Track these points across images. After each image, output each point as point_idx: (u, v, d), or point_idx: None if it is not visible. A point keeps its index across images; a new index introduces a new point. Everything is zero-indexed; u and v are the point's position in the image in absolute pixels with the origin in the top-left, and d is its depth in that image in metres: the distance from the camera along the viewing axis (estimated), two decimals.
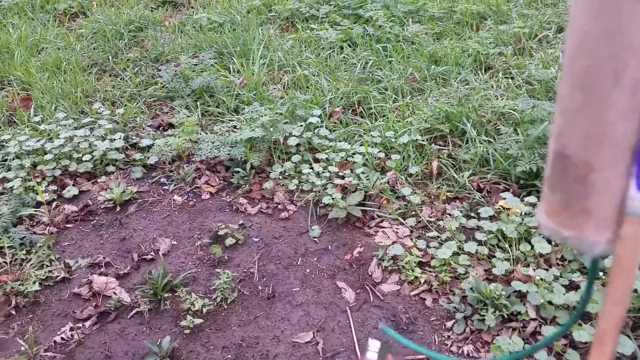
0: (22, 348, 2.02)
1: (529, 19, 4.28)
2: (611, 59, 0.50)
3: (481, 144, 2.89)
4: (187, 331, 2.05)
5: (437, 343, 2.02)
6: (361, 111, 3.33)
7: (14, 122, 3.40)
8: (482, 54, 3.78)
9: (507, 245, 2.32)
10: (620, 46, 0.47)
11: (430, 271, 2.29)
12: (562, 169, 0.59)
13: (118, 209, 2.70)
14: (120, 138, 3.05)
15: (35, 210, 2.65)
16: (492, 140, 2.93)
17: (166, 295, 2.19)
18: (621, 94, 0.50)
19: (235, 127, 3.18)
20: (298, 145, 2.99)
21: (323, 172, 2.79)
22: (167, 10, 5.09)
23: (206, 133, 3.11)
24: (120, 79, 3.88)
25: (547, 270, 2.17)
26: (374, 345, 0.47)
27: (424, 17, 4.42)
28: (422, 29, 4.18)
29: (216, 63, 3.88)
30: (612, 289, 0.63)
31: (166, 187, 2.84)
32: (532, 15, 4.35)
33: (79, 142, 2.98)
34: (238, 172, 2.85)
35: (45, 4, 5.26)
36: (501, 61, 3.77)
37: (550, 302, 2.03)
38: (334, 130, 3.11)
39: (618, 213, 0.55)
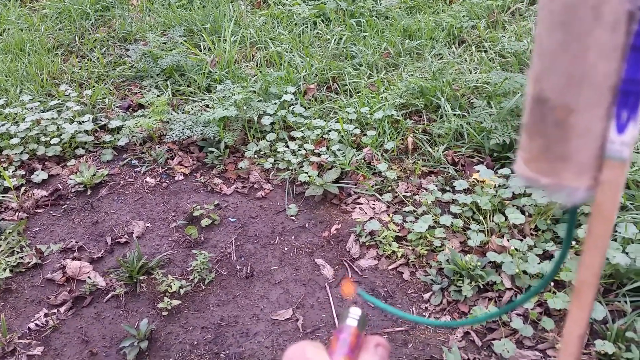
0: None
1: None
2: (589, 2, 0.47)
3: (455, 118, 2.89)
4: (164, 313, 2.03)
5: (415, 315, 2.04)
6: (336, 88, 3.30)
7: None
8: (455, 28, 3.77)
9: (481, 217, 2.34)
10: None
11: (407, 245, 2.30)
12: (541, 113, 0.55)
13: (89, 192, 2.64)
14: (89, 120, 2.98)
15: (2, 196, 2.58)
16: (466, 114, 2.93)
17: (142, 278, 2.16)
18: (602, 31, 0.48)
19: (207, 106, 3.12)
20: (272, 123, 2.95)
21: (299, 150, 2.76)
22: None
23: (177, 113, 3.05)
24: (88, 60, 3.77)
25: (521, 240, 2.20)
26: (354, 312, 0.46)
27: None
28: (395, 2, 4.15)
29: (186, 41, 3.80)
30: (591, 236, 0.62)
31: (138, 169, 2.79)
32: None
33: (47, 125, 2.90)
34: (212, 152, 2.81)
35: None
36: (474, 35, 3.76)
37: (524, 272, 2.06)
38: (308, 108, 3.08)
39: (598, 157, 0.53)
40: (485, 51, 3.56)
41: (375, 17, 3.99)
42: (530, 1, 4.14)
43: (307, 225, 2.45)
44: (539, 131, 0.56)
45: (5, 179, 2.61)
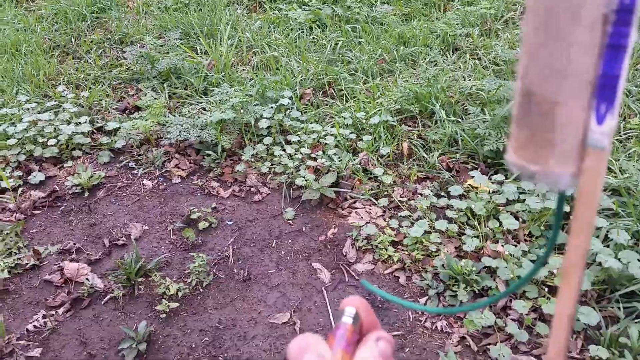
0: None
1: (495, 0, 4.33)
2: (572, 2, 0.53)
3: (450, 124, 2.93)
4: (163, 315, 2.05)
5: (411, 320, 2.07)
6: (332, 92, 3.33)
7: None
8: (449, 35, 3.81)
9: (476, 223, 2.38)
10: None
11: (403, 250, 2.33)
12: (528, 105, 0.62)
13: (86, 194, 2.65)
14: (85, 122, 2.98)
15: (0, 197, 2.58)
16: (460, 120, 2.97)
17: (140, 280, 2.17)
18: (581, 31, 0.54)
19: (204, 109, 3.14)
20: (269, 127, 2.98)
21: (295, 154, 2.79)
22: None
23: (174, 116, 3.06)
24: (84, 62, 3.77)
25: (515, 246, 2.24)
26: (349, 311, 0.48)
27: None
28: (390, 9, 4.19)
29: (182, 44, 3.81)
30: (576, 220, 0.68)
31: (135, 172, 2.80)
32: None
33: (44, 127, 2.90)
34: (209, 155, 2.83)
35: None
36: (468, 42, 3.81)
37: (519, 277, 2.10)
38: (305, 112, 3.11)
39: (580, 146, 0.59)
40: (479, 59, 3.61)
41: (371, 23, 4.03)
42: (523, 10, 4.20)
43: (304, 229, 2.48)
44: (527, 122, 0.62)
45: (3, 180, 2.62)
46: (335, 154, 2.80)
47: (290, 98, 3.15)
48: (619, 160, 2.61)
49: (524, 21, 0.58)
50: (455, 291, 2.10)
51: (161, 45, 3.78)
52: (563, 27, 0.53)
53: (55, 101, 3.18)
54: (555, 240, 0.68)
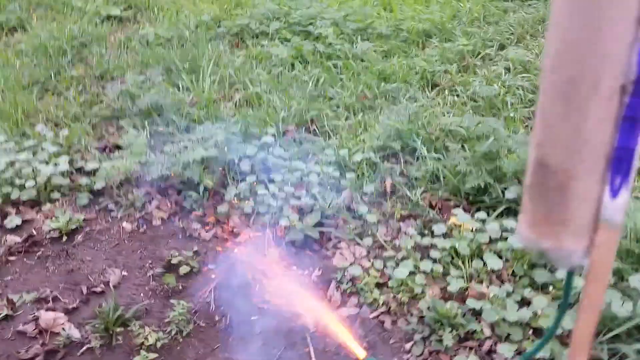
0: None
1: (472, 36, 4.41)
2: (591, 69, 0.51)
3: (432, 160, 2.94)
4: None
5: None
6: (314, 129, 3.33)
7: None
8: (428, 72, 3.86)
9: (460, 263, 2.37)
10: (601, 56, 0.50)
11: (388, 292, 2.30)
12: (543, 177, 0.60)
13: (64, 238, 2.59)
14: (64, 162, 2.93)
15: None
16: (441, 157, 2.99)
17: (118, 329, 2.11)
18: (599, 103, 0.54)
19: (186, 147, 3.11)
20: (252, 165, 2.95)
21: (279, 192, 2.76)
22: (112, 25, 4.94)
23: (155, 155, 3.03)
24: (64, 99, 3.74)
25: (499, 286, 2.23)
26: None
27: (372, 34, 4.48)
28: (370, 46, 4.24)
29: (164, 80, 3.80)
30: (586, 296, 0.68)
31: (114, 214, 2.75)
32: (475, 33, 4.48)
33: (21, 167, 2.85)
34: (191, 195, 2.79)
35: None
36: (447, 78, 3.86)
37: (504, 319, 2.09)
38: (287, 150, 3.10)
39: (594, 221, 0.59)
40: (458, 95, 3.66)
41: (352, 60, 4.07)
42: (499, 47, 4.29)
43: (287, 272, 2.44)
44: (540, 194, 0.62)
45: None
46: (319, 192, 2.78)
47: (273, 135, 3.14)
48: None
49: (540, 90, 0.57)
50: (441, 335, 2.07)
51: (143, 82, 3.76)
52: (582, 99, 0.52)
53: (33, 140, 3.13)
54: (563, 317, 0.67)
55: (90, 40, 4.50)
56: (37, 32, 4.59)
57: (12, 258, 2.49)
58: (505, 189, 2.68)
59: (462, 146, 3.02)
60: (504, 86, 3.72)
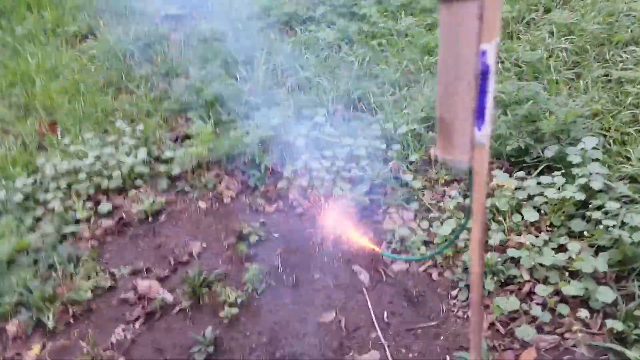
0: (85, 350, 2.32)
1: (517, 2, 4.47)
2: (458, 71, 1.08)
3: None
4: (225, 321, 2.35)
5: (444, 310, 2.30)
6: (361, 107, 3.58)
7: (44, 147, 3.69)
8: None
9: (500, 218, 2.58)
10: (462, 65, 1.05)
11: (434, 248, 2.56)
12: (442, 124, 1.16)
13: (150, 219, 3.00)
14: (143, 152, 3.34)
15: (76, 227, 2.96)
16: None
17: (203, 291, 2.48)
18: (465, 86, 1.08)
19: (247, 132, 3.45)
20: (306, 143, 3.25)
21: (331, 166, 3.05)
22: (172, 24, 5.33)
23: (221, 140, 3.38)
24: (136, 96, 4.16)
25: (536, 236, 2.43)
26: None
27: (416, 9, 4.63)
28: (414, 21, 4.40)
29: (223, 72, 4.14)
30: (475, 184, 1.26)
31: (190, 195, 3.13)
32: None
33: (107, 160, 3.28)
34: (254, 174, 3.13)
35: (56, 27, 5.53)
36: None
37: (541, 264, 2.30)
38: (337, 128, 3.37)
39: (471, 144, 1.15)
40: (503, 62, 3.78)
41: (396, 36, 4.26)
42: (544, 10, 4.33)
43: (343, 237, 2.74)
44: (443, 132, 1.14)
45: (77, 211, 2.99)
46: (367, 164, 3.04)
47: (324, 115, 3.42)
48: (635, 150, 2.75)
49: (437, 79, 1.12)
50: (483, 282, 2.31)
51: (204, 76, 4.12)
52: (457, 84, 1.07)
53: (114, 136, 3.56)
54: (472, 201, 1.18)
55: (153, 41, 4.91)
56: (106, 37, 5.04)
57: (108, 239, 2.92)
58: (545, 148, 2.84)
59: (504, 111, 3.18)
60: (547, 50, 3.81)
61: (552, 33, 4.01)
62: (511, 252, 2.37)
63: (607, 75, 3.40)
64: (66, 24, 5.49)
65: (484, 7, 1.01)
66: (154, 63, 4.62)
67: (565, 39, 3.89)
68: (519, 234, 2.48)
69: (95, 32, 5.39)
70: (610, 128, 2.96)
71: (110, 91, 4.29)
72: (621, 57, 3.58)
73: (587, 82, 3.36)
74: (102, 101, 4.08)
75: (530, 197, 2.62)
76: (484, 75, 1.07)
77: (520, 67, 3.68)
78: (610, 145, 2.85)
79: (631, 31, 3.77)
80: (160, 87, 4.25)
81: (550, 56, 3.73)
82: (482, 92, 1.08)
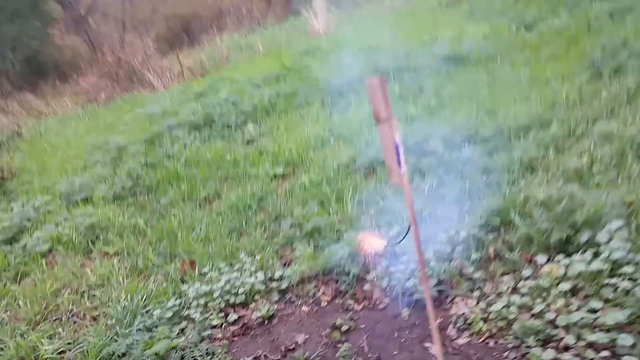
0: None
1: (567, 120, 5.18)
2: (388, 145, 2.18)
3: (524, 227, 3.73)
4: None
5: None
6: (427, 219, 4.32)
7: (186, 280, 4.75)
8: (525, 159, 4.71)
9: (544, 295, 3.09)
10: (389, 143, 2.15)
11: (490, 322, 3.10)
12: (386, 167, 2.26)
13: (266, 322, 3.81)
14: (261, 275, 4.26)
15: (212, 331, 3.83)
16: (530, 220, 3.76)
17: None
18: (392, 147, 2.18)
19: (337, 251, 4.28)
20: (386, 254, 4.01)
21: (404, 268, 3.76)
22: (278, 180, 6.59)
23: (319, 259, 4.24)
24: (254, 237, 5.23)
25: (572, 302, 2.91)
26: None
27: (477, 139, 5.49)
28: (475, 148, 5.23)
29: (319, 210, 5.13)
30: (407, 200, 2.25)
31: (295, 302, 3.94)
32: (570, 115, 5.26)
33: (234, 282, 4.23)
34: (344, 280, 3.90)
35: (191, 195, 6.98)
36: (543, 162, 4.66)
37: (574, 323, 2.76)
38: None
39: (400, 174, 2.24)
40: (550, 172, 4.41)
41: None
42: (592, 122, 4.99)
43: (416, 322, 3.35)
44: (388, 171, 2.28)
45: (214, 321, 3.89)
46: (436, 264, 3.71)
47: (398, 231, 4.20)
48: None
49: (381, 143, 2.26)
50: (529, 343, 2.80)
51: (304, 214, 5.13)
52: (389, 150, 2.22)
53: (239, 264, 4.56)
54: (409, 209, 2.06)
55: (265, 194, 6.12)
56: (229, 197, 6.35)
57: (235, 338, 3.75)
58: (579, 233, 3.38)
59: (549, 210, 3.77)
60: (591, 158, 4.42)
61: (596, 142, 4.63)
62: (553, 316, 2.86)
63: None
64: (198, 191, 6.93)
65: (392, 125, 2.05)
66: (266, 211, 5.76)
67: (609, 146, 4.49)
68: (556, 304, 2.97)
69: (221, 194, 6.76)
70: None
71: (234, 235, 5.41)
72: None
73: (623, 178, 3.90)
74: (228, 243, 5.18)
75: (566, 274, 3.13)
76: (397, 146, 2.12)
77: (565, 173, 4.29)
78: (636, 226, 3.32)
79: None
80: (272, 228, 5.31)
81: (593, 163, 4.33)
82: (397, 153, 2.13)
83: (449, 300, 3.47)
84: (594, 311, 2.81)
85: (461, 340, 3.09)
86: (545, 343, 2.79)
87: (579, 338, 2.72)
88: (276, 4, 19.99)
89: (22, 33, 16.96)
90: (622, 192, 3.71)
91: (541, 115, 5.60)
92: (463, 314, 3.23)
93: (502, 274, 3.52)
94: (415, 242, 2.41)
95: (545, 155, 4.77)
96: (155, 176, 7.40)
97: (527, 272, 3.31)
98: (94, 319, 4.35)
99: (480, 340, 3.03)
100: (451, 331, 3.18)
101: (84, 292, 4.87)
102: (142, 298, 4.33)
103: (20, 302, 4.86)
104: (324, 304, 3.84)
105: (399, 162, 2.19)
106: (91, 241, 5.93)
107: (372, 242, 3.92)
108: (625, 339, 2.53)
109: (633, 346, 2.51)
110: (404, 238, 2.70)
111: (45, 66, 17.84)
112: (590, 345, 2.65)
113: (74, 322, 4.36)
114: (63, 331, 4.22)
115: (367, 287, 3.79)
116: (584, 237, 3.33)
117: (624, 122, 4.84)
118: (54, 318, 4.56)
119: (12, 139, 13.15)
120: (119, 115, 12.34)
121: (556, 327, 2.83)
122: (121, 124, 11.24)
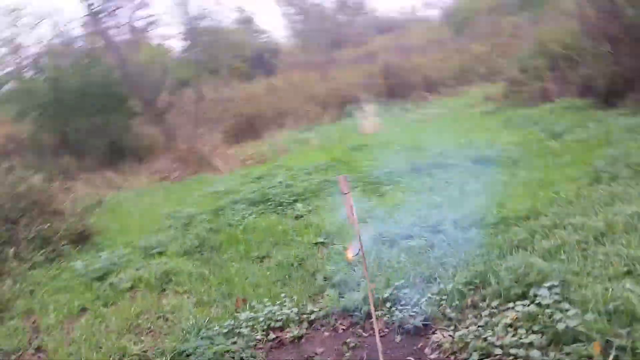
0: None
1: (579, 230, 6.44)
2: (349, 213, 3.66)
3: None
4: None
5: None
6: (420, 277, 5.59)
7: (238, 312, 6.09)
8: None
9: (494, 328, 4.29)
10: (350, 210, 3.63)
11: (454, 343, 4.30)
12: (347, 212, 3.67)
13: (296, 340, 5.11)
14: (295, 309, 5.59)
15: (255, 342, 5.14)
16: None
17: None
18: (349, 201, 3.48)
19: (353, 294, 5.57)
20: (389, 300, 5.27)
21: (402, 309, 5.02)
22: (319, 247, 7.96)
23: (340, 302, 5.53)
24: (293, 286, 6.57)
25: None
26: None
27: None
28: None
29: (345, 268, 6.46)
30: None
31: (320, 330, 5.23)
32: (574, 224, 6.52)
33: (275, 313, 5.57)
34: (358, 315, 5.19)
35: (247, 253, 8.40)
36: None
37: None
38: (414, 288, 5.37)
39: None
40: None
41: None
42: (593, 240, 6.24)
43: (405, 345, 4.57)
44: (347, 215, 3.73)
45: (257, 336, 5.22)
46: (426, 307, 4.95)
47: (406, 287, 5.48)
48: None
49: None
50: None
51: (335, 270, 6.47)
52: (348, 205, 3.66)
53: (279, 301, 5.90)
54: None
55: (307, 256, 7.50)
56: (277, 257, 7.76)
57: (272, 350, 5.05)
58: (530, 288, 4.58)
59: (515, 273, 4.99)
60: (562, 241, 5.64)
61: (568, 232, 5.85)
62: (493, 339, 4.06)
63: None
64: (252, 250, 8.38)
65: (350, 197, 3.49)
66: (306, 268, 7.13)
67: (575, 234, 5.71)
68: None
69: (271, 255, 8.18)
70: None
71: (279, 283, 6.78)
72: None
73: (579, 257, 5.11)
74: (273, 288, 6.55)
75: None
76: (351, 206, 3.53)
77: (540, 251, 5.52)
78: None
79: None
80: (309, 280, 6.67)
81: (562, 245, 5.55)
82: (352, 210, 3.54)
83: (431, 331, 4.69)
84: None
85: (433, 356, 4.29)
86: (486, 356, 3.97)
87: (508, 354, 3.90)
88: (331, 108, 22.61)
89: (108, 123, 20.01)
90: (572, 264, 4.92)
91: (538, 210, 6.89)
92: (438, 340, 4.44)
93: (473, 316, 4.73)
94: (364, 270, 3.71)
95: (532, 239, 6.02)
96: (218, 238, 8.96)
97: (486, 312, 4.52)
98: (169, 333, 5.76)
99: (445, 356, 4.23)
100: (427, 350, 4.39)
101: (160, 316, 6.31)
102: (205, 320, 5.73)
103: (109, 321, 6.34)
104: (340, 331, 5.11)
105: (352, 214, 3.65)
106: (165, 282, 7.44)
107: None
108: (536, 354, 3.71)
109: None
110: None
111: (126, 150, 20.60)
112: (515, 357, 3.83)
113: (153, 335, 5.78)
114: (145, 339, 5.64)
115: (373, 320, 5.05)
116: (531, 291, 4.54)
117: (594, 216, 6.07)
118: (137, 332, 6.00)
119: (96, 206, 15.25)
120: (189, 191, 14.22)
121: (495, 346, 4.02)
122: (190, 199, 13.08)
